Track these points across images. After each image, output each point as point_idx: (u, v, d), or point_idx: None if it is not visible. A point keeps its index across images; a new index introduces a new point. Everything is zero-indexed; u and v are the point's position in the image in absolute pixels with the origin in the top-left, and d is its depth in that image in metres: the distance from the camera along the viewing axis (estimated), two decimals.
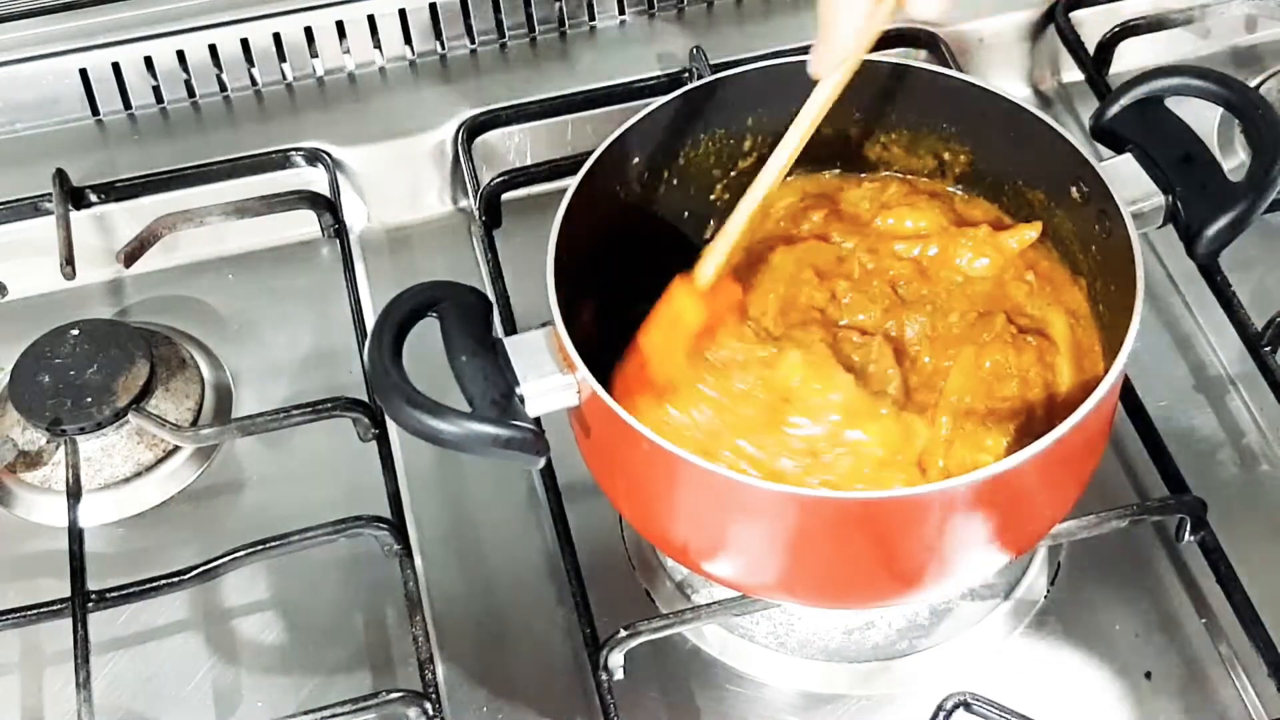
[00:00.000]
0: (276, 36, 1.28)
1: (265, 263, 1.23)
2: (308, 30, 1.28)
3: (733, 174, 1.04)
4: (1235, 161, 1.21)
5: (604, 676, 0.94)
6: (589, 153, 0.95)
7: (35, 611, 0.99)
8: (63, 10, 1.25)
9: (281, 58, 1.29)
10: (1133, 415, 1.06)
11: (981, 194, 1.03)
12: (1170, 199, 0.93)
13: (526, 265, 1.04)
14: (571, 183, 0.93)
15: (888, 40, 1.27)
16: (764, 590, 0.93)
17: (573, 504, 1.02)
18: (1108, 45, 1.27)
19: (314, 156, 1.23)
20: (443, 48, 1.31)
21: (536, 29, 1.32)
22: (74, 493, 1.04)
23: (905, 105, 1.01)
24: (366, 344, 0.85)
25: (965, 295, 0.97)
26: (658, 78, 1.26)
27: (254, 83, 1.30)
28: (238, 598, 1.03)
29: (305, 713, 0.93)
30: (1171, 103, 0.96)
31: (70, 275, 1.15)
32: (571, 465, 0.97)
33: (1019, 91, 1.31)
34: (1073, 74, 1.31)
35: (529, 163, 1.26)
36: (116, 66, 1.26)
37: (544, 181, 1.20)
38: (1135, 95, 0.95)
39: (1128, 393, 1.06)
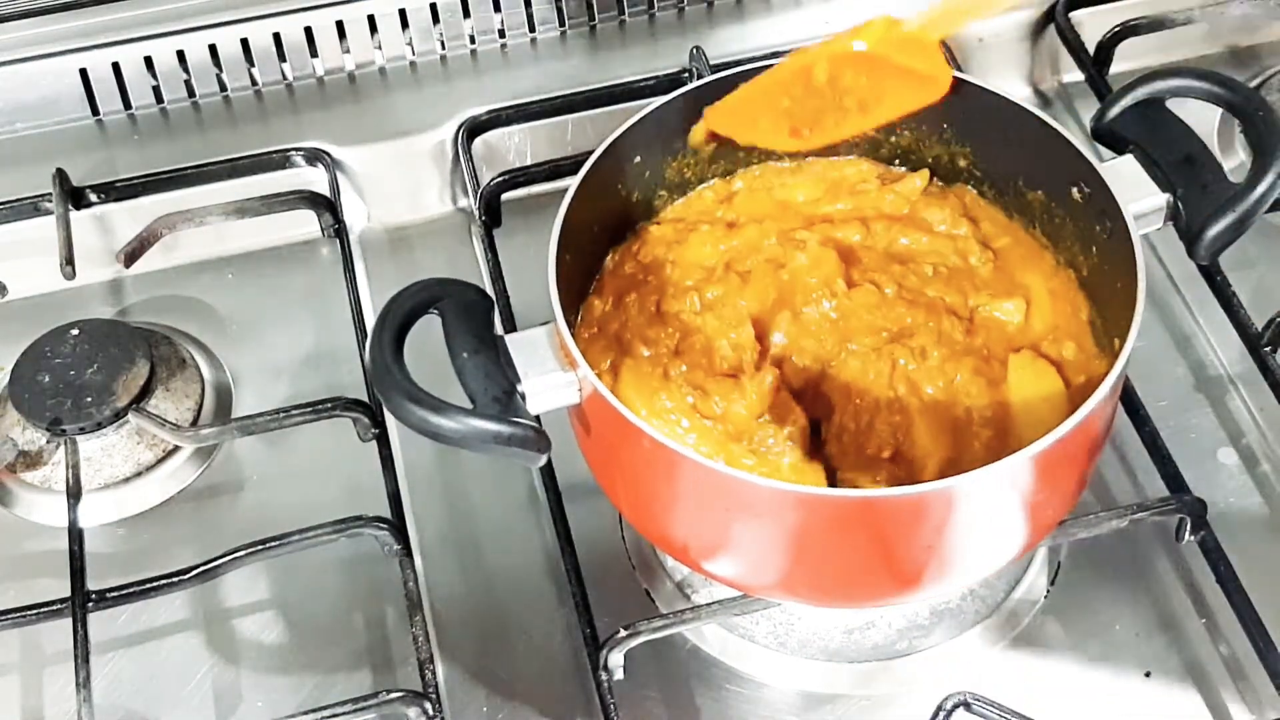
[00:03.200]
0: (276, 36, 1.28)
1: (265, 263, 1.23)
2: (308, 30, 1.28)
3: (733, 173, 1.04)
4: (1235, 162, 1.21)
5: (604, 676, 0.94)
6: (589, 153, 0.95)
7: (35, 611, 0.99)
8: (63, 10, 1.25)
9: (281, 58, 1.29)
10: (1133, 415, 1.06)
11: (981, 194, 1.03)
12: (1171, 200, 0.93)
13: (526, 265, 1.04)
14: (572, 183, 0.93)
15: None
16: (764, 589, 0.93)
17: (573, 504, 1.02)
18: (1108, 45, 1.27)
19: (314, 156, 1.23)
20: (443, 48, 1.31)
21: (536, 29, 1.32)
22: (74, 493, 1.04)
23: None
24: (368, 341, 0.85)
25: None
26: (658, 78, 1.26)
27: (254, 83, 1.30)
28: (238, 598, 1.03)
29: (305, 713, 0.93)
30: (1172, 103, 0.95)
31: (70, 275, 1.15)
32: (571, 465, 0.97)
33: (1019, 91, 1.31)
34: (1073, 74, 1.31)
35: (529, 163, 1.26)
36: (116, 66, 1.26)
37: (544, 181, 1.20)
38: (1136, 96, 0.95)
39: (1128, 393, 1.06)
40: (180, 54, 1.27)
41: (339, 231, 1.20)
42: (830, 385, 0.92)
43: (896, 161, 1.04)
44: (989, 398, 0.91)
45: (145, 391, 1.08)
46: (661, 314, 0.95)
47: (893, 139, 1.02)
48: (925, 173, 1.02)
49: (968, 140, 1.01)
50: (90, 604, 0.98)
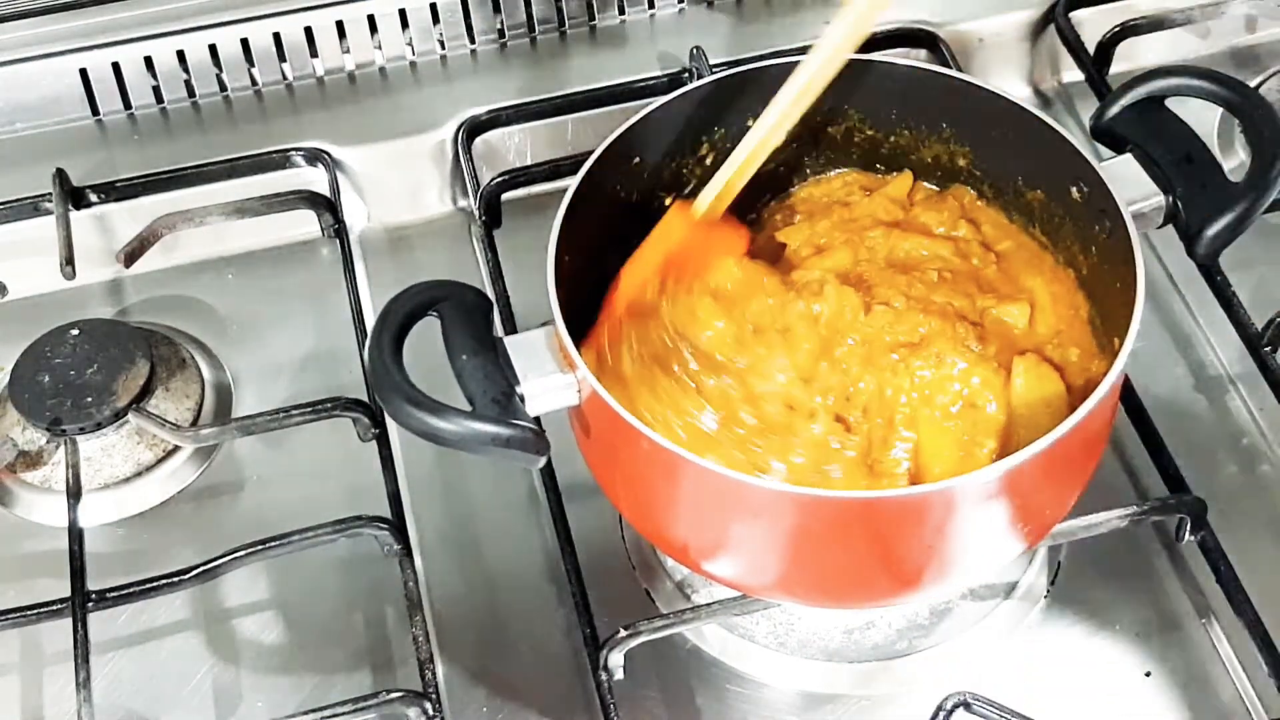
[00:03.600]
0: (276, 36, 1.28)
1: (265, 263, 1.23)
2: (308, 30, 1.28)
3: None
4: (1235, 161, 1.21)
5: (604, 676, 0.94)
6: (589, 153, 0.95)
7: (35, 611, 0.99)
8: (63, 10, 1.25)
9: (281, 58, 1.29)
10: (1133, 415, 1.05)
11: (980, 194, 1.03)
12: (1170, 199, 0.93)
13: (526, 265, 1.04)
14: (571, 183, 0.93)
15: (887, 40, 1.28)
16: (764, 590, 0.93)
17: (573, 504, 1.02)
18: (1108, 45, 1.27)
19: (314, 156, 1.23)
20: (443, 48, 1.31)
21: (536, 29, 1.32)
22: (74, 493, 1.04)
23: (905, 106, 1.01)
24: (367, 343, 0.85)
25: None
26: (658, 78, 1.26)
27: (254, 83, 1.30)
28: (238, 598, 1.03)
29: (305, 713, 0.93)
30: (1171, 103, 0.95)
31: (70, 275, 1.15)
32: (571, 465, 0.97)
33: (1019, 91, 1.31)
34: (1073, 74, 1.31)
35: (529, 163, 1.26)
36: (116, 66, 1.26)
37: (544, 181, 1.20)
38: (1136, 95, 0.95)
39: (1128, 393, 1.06)
40: (180, 54, 1.27)
41: (339, 231, 1.20)
42: (845, 407, 0.91)
43: (888, 164, 1.04)
44: (995, 404, 0.91)
45: (145, 391, 1.08)
46: (691, 386, 0.91)
47: (891, 139, 1.03)
48: (909, 174, 1.02)
49: (967, 140, 1.01)
50: (90, 604, 0.98)
